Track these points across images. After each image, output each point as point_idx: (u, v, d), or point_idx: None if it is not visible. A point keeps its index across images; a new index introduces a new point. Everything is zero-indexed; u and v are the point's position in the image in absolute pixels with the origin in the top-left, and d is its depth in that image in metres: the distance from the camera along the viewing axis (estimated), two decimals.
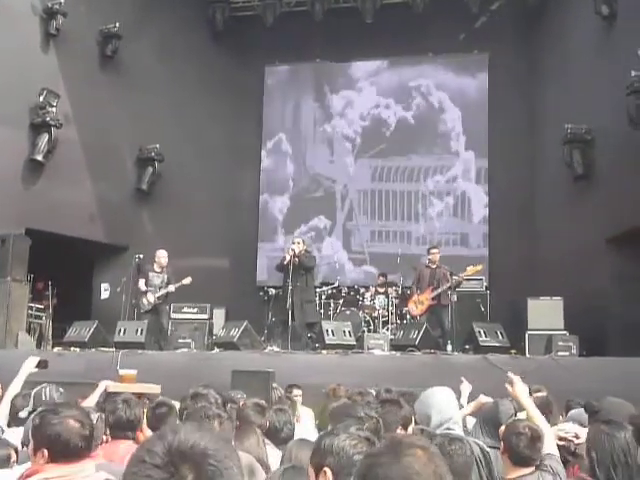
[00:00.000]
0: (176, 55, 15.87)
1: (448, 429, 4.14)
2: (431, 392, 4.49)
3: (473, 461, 3.68)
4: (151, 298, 12.34)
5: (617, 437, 3.55)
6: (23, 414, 4.59)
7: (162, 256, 12.56)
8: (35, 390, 4.83)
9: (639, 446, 3.61)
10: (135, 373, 7.09)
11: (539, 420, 4.47)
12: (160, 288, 12.39)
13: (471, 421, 5.33)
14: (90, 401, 5.32)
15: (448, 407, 4.35)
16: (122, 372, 6.75)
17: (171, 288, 12.37)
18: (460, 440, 3.51)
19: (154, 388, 6.37)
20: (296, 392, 7.60)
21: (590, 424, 4.40)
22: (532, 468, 3.82)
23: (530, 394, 7.29)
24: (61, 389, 4.89)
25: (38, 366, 5.09)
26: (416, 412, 4.40)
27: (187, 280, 12.33)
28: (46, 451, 2.95)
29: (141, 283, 12.45)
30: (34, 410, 4.17)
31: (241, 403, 5.14)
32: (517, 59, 16.48)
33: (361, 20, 16.24)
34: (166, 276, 12.49)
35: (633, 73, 10.47)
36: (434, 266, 12.37)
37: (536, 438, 3.80)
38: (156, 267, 12.54)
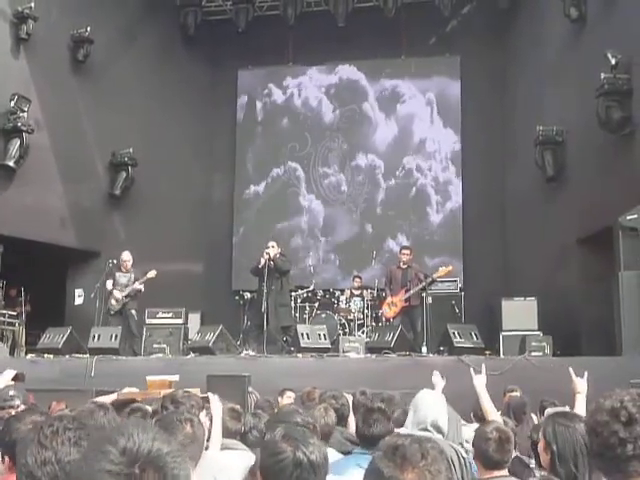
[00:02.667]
0: (148, 60, 15.81)
1: (425, 429, 4.13)
2: (420, 394, 4.45)
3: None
4: (118, 295, 12.38)
5: (576, 428, 3.49)
6: None
7: (125, 258, 12.66)
8: None
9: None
10: (172, 379, 6.64)
11: (491, 413, 4.56)
12: (126, 287, 12.42)
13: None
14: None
15: (426, 408, 4.30)
16: (149, 378, 6.44)
17: (137, 285, 12.42)
18: (429, 440, 3.50)
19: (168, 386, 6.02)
20: (289, 394, 7.68)
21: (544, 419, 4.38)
22: (504, 471, 3.83)
23: (504, 394, 7.37)
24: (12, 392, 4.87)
25: (15, 379, 5.05)
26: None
27: (152, 273, 12.36)
28: (7, 458, 2.87)
29: (108, 283, 12.53)
30: None
31: None
32: (488, 62, 16.60)
33: (333, 24, 16.25)
34: (132, 275, 12.57)
35: (602, 75, 10.57)
36: (405, 267, 12.40)
37: (504, 441, 3.80)
38: (122, 268, 12.61)
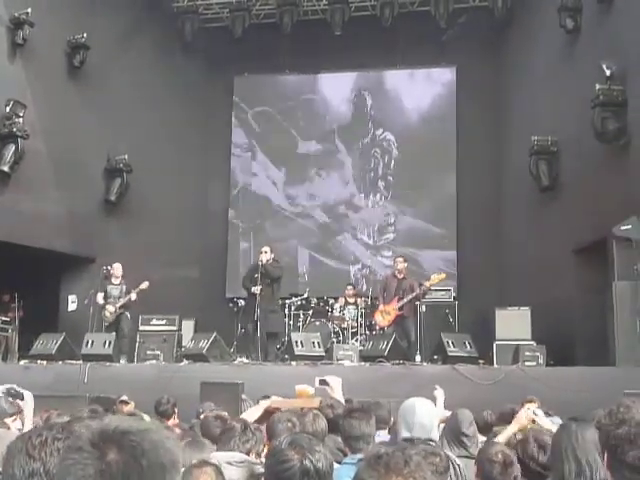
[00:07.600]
0: (145, 66, 15.81)
1: (413, 438, 4.10)
2: (409, 403, 4.33)
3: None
4: (112, 308, 12.48)
5: (571, 431, 3.45)
6: None
7: (117, 268, 12.75)
8: None
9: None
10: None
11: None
12: (119, 298, 12.48)
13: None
14: (250, 415, 5.09)
15: (414, 416, 4.23)
16: (298, 387, 6.47)
17: (132, 296, 12.46)
18: (414, 448, 3.46)
19: (313, 402, 6.00)
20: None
21: None
22: None
23: (522, 404, 7.33)
24: (10, 398, 4.82)
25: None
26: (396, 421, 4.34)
27: (144, 285, 12.43)
28: None
29: (99, 297, 12.57)
30: None
31: (202, 415, 5.13)
32: (484, 71, 16.65)
33: (330, 32, 16.27)
34: (124, 287, 12.65)
35: (598, 86, 10.61)
36: (401, 276, 12.34)
37: (509, 464, 3.78)
38: (114, 280, 12.66)
